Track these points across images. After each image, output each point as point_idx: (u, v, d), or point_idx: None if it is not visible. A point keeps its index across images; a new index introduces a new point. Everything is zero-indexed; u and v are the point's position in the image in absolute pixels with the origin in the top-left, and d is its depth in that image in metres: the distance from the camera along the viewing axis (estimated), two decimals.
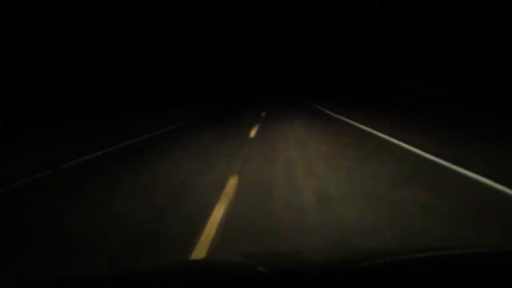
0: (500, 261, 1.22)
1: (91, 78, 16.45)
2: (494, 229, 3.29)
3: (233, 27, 39.80)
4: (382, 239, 3.11)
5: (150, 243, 3.21)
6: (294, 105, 29.70)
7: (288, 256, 1.79)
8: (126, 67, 19.65)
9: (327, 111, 20.17)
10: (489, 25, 16.22)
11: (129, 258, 2.91)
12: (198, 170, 6.11)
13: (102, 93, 16.83)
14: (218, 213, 3.87)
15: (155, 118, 17.12)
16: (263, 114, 19.67)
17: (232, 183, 5.13)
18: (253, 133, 11.20)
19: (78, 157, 7.59)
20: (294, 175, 5.55)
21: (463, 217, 3.61)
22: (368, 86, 33.24)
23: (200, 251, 2.98)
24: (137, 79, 20.91)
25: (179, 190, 4.91)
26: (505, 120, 10.75)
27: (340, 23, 38.89)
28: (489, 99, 15.72)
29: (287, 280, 1.14)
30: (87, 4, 16.32)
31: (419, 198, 4.20)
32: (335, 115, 17.12)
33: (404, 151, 7.41)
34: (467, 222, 3.46)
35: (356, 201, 4.17)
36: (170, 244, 3.15)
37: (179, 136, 11.48)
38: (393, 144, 8.24)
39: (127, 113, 17.25)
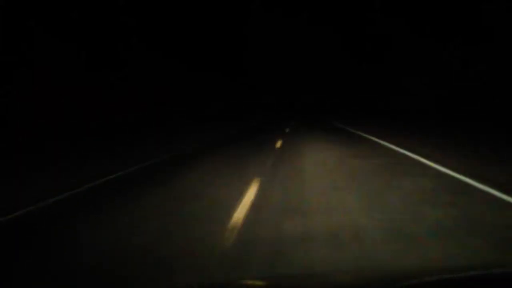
0: None
1: (91, 78, 16.44)
2: None
3: (233, 27, 39.78)
4: None
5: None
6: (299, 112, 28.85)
7: (313, 278, 1.76)
8: (126, 67, 19.63)
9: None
10: (489, 25, 16.21)
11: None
12: None
13: (102, 93, 16.83)
14: None
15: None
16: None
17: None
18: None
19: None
20: None
21: None
22: (372, 88, 33.19)
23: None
24: (137, 79, 20.90)
25: None
26: None
27: (340, 23, 38.91)
28: (489, 99, 15.72)
29: None
30: (87, 4, 16.30)
31: None
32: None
33: None
34: None
35: None
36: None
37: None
38: None
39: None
